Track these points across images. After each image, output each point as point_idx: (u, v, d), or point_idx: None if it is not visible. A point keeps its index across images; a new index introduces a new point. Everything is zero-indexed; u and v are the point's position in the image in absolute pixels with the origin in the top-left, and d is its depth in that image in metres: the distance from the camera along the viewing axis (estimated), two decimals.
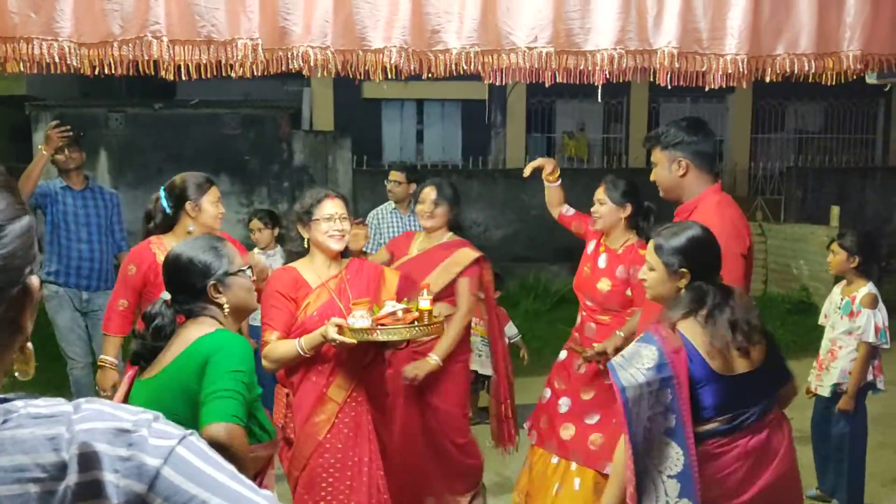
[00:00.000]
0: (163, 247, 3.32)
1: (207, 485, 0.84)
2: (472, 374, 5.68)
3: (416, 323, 2.93)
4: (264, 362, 3.05)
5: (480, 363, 5.57)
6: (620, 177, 3.82)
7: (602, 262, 3.68)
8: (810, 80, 3.11)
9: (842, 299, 4.11)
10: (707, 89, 3.05)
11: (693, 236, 2.45)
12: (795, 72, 2.98)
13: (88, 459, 0.81)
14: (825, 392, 4.10)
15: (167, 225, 3.42)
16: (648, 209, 3.72)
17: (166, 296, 2.28)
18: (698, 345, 2.34)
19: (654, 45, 2.84)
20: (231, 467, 0.89)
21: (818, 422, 4.24)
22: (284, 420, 3.10)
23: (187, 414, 2.00)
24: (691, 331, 2.35)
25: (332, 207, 3.08)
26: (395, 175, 5.67)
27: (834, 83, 3.09)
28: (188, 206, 3.36)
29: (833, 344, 4.10)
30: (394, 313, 2.93)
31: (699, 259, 2.42)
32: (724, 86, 3.04)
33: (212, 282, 2.23)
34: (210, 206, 3.39)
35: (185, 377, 2.07)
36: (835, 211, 9.35)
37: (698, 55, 2.88)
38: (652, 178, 3.14)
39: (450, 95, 13.32)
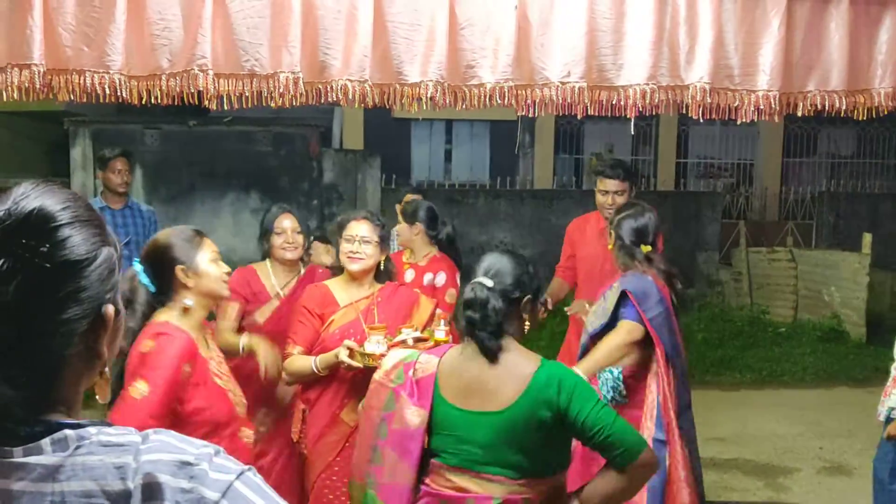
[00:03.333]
0: (180, 331, 2.39)
1: None
2: None
3: None
4: (283, 375, 3.09)
5: None
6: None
7: (408, 276, 4.19)
8: (841, 115, 3.13)
9: None
10: (739, 122, 3.08)
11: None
12: (826, 108, 3.00)
13: (152, 490, 0.85)
14: (881, 417, 4.08)
15: (154, 305, 2.45)
16: (442, 223, 4.37)
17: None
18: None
19: (685, 80, 2.88)
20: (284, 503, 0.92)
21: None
22: (299, 435, 3.14)
23: (538, 442, 2.09)
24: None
25: (354, 229, 3.07)
26: (413, 198, 5.34)
27: (864, 118, 3.11)
28: (179, 271, 2.43)
29: None
30: (405, 341, 2.94)
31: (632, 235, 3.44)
32: (755, 119, 3.08)
33: (526, 304, 2.21)
34: (210, 267, 2.48)
35: (539, 411, 2.07)
36: (867, 238, 9.22)
37: (730, 91, 2.92)
38: (612, 202, 4.11)
39: (479, 116, 13.39)
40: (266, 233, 3.58)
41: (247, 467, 0.91)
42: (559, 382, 2.08)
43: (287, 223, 3.53)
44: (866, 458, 5.34)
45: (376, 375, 2.32)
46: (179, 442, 0.91)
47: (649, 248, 3.40)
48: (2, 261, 0.86)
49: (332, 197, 10.46)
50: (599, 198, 4.27)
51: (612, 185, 4.21)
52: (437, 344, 2.96)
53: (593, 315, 3.45)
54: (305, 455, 3.11)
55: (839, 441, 5.71)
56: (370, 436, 2.25)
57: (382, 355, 2.82)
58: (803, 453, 5.60)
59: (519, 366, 2.13)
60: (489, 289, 2.15)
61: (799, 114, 3.09)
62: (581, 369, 3.12)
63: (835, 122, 13.74)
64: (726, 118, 3.07)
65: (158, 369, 2.24)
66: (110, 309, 0.95)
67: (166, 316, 2.39)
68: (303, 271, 3.63)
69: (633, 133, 3.53)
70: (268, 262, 3.61)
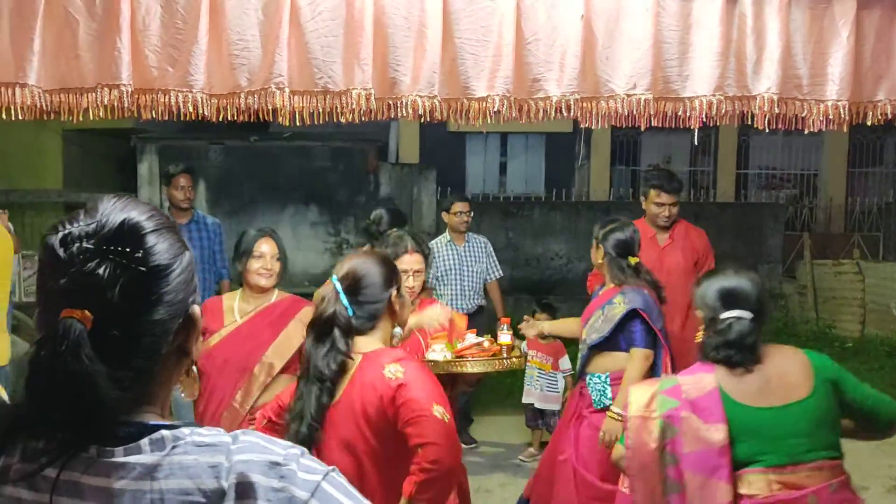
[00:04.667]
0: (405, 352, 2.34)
1: None
2: (531, 408, 5.50)
3: (496, 356, 3.04)
4: None
5: (539, 397, 5.47)
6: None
7: None
8: None
9: None
10: (806, 132, 3.06)
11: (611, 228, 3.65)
12: None
13: (245, 488, 0.89)
14: None
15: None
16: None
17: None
18: None
19: (753, 91, 2.87)
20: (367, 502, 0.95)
21: None
22: None
23: (837, 418, 2.31)
24: None
25: (408, 263, 3.06)
26: (463, 206, 5.69)
27: None
28: (394, 298, 2.23)
29: None
30: (479, 343, 3.02)
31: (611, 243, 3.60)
32: (822, 129, 3.05)
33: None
34: (406, 294, 2.37)
35: (829, 387, 2.27)
36: None
37: (798, 101, 2.90)
38: (668, 213, 4.44)
39: (534, 128, 13.40)
40: (242, 255, 3.31)
41: (331, 468, 0.95)
42: (824, 360, 2.32)
43: (266, 248, 3.29)
44: None
45: (631, 412, 2.35)
46: (267, 443, 0.94)
47: (637, 259, 3.58)
48: (104, 267, 0.92)
49: None
50: (654, 209, 4.49)
51: (668, 198, 4.45)
52: (501, 348, 3.05)
53: (591, 329, 3.57)
54: None
55: None
56: (653, 467, 2.28)
57: (448, 362, 2.91)
58: (872, 471, 5.42)
59: (785, 352, 2.33)
60: (750, 321, 2.29)
61: (868, 123, 3.05)
62: (619, 408, 3.23)
63: None
64: (792, 128, 3.05)
65: (439, 390, 2.15)
66: (197, 309, 1.02)
67: (376, 344, 2.20)
68: (273, 299, 3.33)
69: (695, 144, 3.54)
70: (239, 290, 3.40)
